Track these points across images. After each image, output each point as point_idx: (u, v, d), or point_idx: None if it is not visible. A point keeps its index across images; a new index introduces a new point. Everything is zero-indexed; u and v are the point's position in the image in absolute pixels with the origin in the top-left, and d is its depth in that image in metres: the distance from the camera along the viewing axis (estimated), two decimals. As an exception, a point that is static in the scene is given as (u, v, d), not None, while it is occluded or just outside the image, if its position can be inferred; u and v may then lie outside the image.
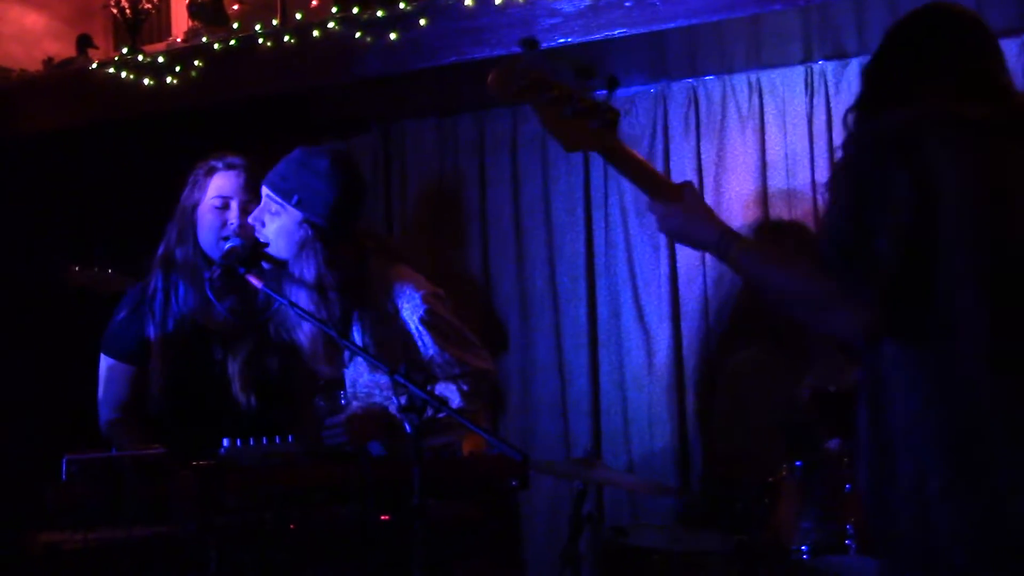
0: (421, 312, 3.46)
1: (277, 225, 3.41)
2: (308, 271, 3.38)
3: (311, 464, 2.96)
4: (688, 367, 4.56)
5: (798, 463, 3.36)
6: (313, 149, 3.49)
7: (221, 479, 2.75)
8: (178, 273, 3.55)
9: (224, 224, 3.52)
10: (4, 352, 5.20)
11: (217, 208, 3.53)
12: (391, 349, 3.47)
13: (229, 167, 3.57)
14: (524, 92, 2.42)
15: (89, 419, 3.68)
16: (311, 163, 3.42)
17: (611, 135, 2.50)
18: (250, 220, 3.45)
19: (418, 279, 3.56)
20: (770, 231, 4.48)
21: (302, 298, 3.33)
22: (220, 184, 3.55)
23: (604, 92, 4.04)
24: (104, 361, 3.62)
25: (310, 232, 3.38)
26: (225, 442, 2.84)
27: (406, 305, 3.47)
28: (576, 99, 2.43)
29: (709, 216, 2.48)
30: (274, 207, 3.41)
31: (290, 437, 2.94)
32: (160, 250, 3.60)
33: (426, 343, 3.46)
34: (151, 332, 3.54)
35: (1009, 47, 4.08)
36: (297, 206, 3.37)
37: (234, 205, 3.54)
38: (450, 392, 3.43)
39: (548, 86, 2.42)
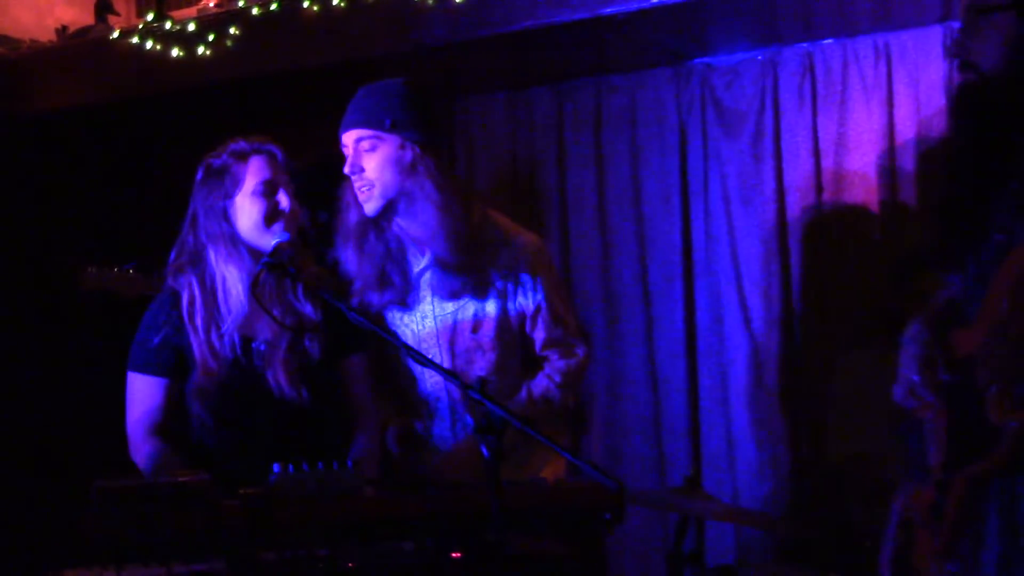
0: (534, 248, 3.73)
1: (378, 159, 3.61)
2: (427, 186, 3.60)
3: (373, 494, 2.98)
4: (803, 379, 4.54)
5: (937, 499, 3.32)
6: (377, 82, 3.73)
7: (271, 510, 2.78)
8: (215, 273, 3.59)
9: (275, 208, 3.56)
10: (14, 366, 5.27)
11: (262, 195, 3.56)
12: (492, 297, 3.70)
13: (258, 151, 3.61)
14: None
15: (115, 441, 3.73)
16: (387, 88, 3.69)
17: None
18: (347, 170, 3.64)
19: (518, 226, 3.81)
20: (898, 221, 4.45)
21: (429, 217, 3.59)
22: (259, 167, 3.58)
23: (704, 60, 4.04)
24: (134, 380, 3.65)
25: (416, 150, 3.61)
26: (276, 468, 2.86)
27: (519, 242, 3.72)
28: None
29: None
30: (367, 144, 3.62)
31: (349, 462, 2.96)
32: (186, 254, 3.64)
33: (534, 285, 3.69)
34: (192, 342, 3.57)
35: (934, 34, 4.27)
36: (392, 129, 3.60)
37: (281, 190, 3.59)
38: (537, 387, 3.69)
39: None
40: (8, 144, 5.36)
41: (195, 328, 3.56)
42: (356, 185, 3.64)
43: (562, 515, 3.10)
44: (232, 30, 4.89)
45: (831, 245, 4.56)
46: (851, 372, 4.46)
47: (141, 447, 3.58)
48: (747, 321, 4.65)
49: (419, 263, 3.69)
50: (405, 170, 3.61)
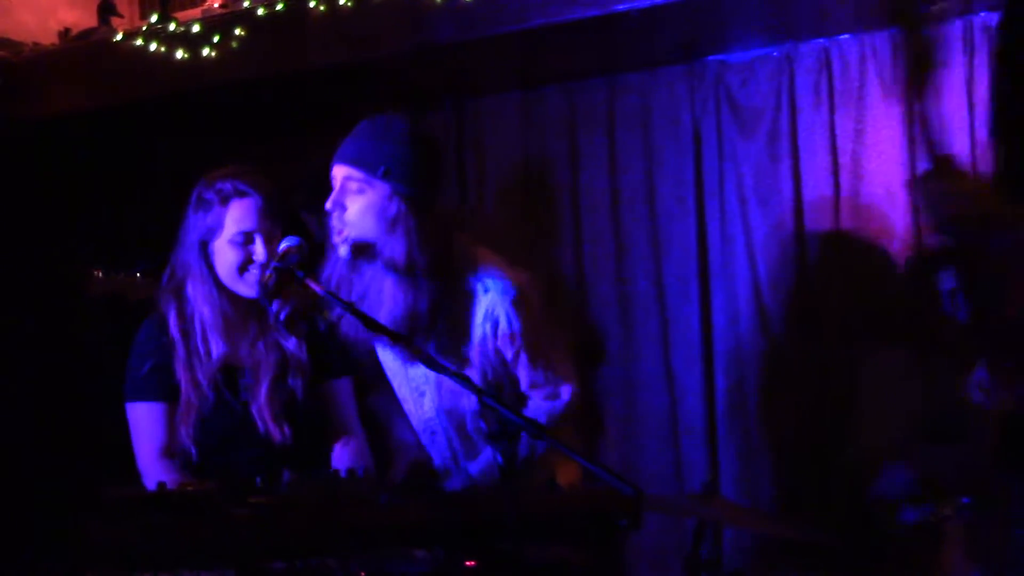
0: (513, 294, 3.59)
1: (362, 204, 3.54)
2: (398, 250, 3.50)
3: (385, 501, 2.97)
4: (824, 381, 4.52)
5: (965, 499, 3.31)
6: (382, 118, 3.65)
7: (281, 518, 2.77)
8: (192, 309, 3.63)
9: (249, 259, 3.58)
10: (20, 370, 5.28)
11: (240, 244, 3.59)
12: (474, 340, 3.60)
13: (243, 195, 3.61)
14: None
15: (122, 448, 3.74)
16: (389, 130, 3.59)
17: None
18: (328, 207, 3.57)
19: (504, 260, 3.71)
20: (919, 220, 4.44)
21: (389, 283, 3.44)
22: (238, 216, 3.60)
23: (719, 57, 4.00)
24: (133, 409, 3.68)
25: (403, 205, 3.51)
26: (286, 475, 2.86)
27: (496, 286, 3.59)
28: None
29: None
30: (355, 185, 3.53)
31: (359, 471, 2.96)
32: (175, 279, 3.67)
33: (513, 331, 3.57)
34: (178, 370, 3.61)
35: (954, 28, 4.27)
36: (384, 177, 3.51)
37: (258, 239, 3.60)
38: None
39: None
40: (12, 148, 5.36)
41: (179, 359, 3.60)
42: (333, 223, 3.57)
43: (578, 521, 3.09)
44: (237, 31, 4.88)
45: (850, 244, 4.54)
46: (875, 373, 4.44)
47: (155, 478, 3.60)
48: (765, 322, 4.63)
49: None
50: (386, 223, 3.53)
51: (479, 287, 3.60)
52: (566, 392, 3.68)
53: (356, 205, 3.53)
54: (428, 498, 3.00)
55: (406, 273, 3.50)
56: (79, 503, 2.79)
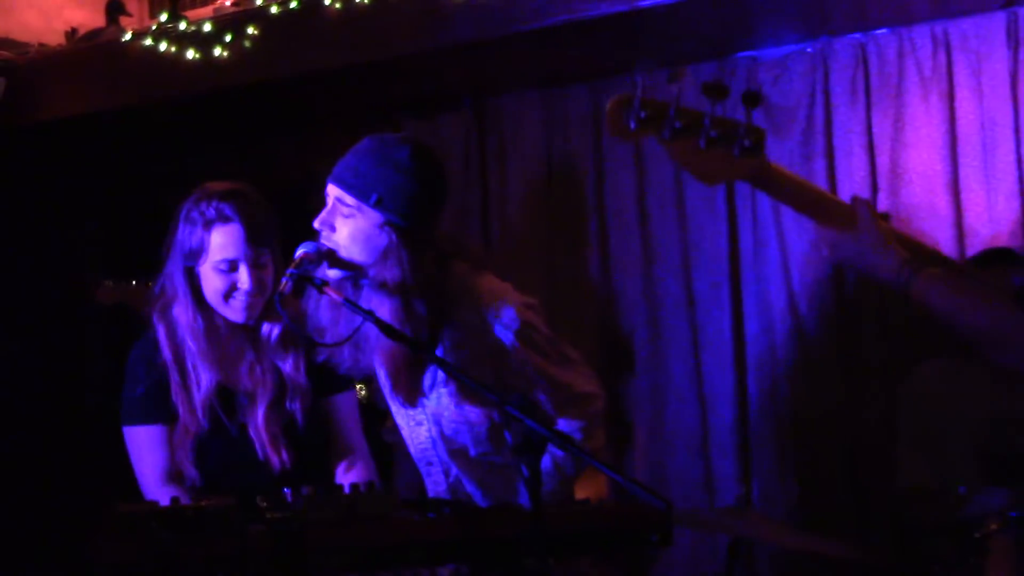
0: (516, 325, 3.47)
1: (351, 229, 3.43)
2: (390, 279, 3.41)
3: (406, 517, 2.96)
4: (863, 392, 4.49)
5: (1013, 513, 3.28)
6: (387, 138, 3.54)
7: (300, 535, 2.76)
8: (182, 336, 3.64)
9: (233, 286, 3.58)
10: (28, 379, 5.29)
11: (224, 272, 3.59)
12: (479, 373, 3.48)
13: (226, 220, 3.59)
14: (646, 126, 2.58)
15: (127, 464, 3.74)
16: (389, 154, 3.44)
17: (758, 160, 2.62)
18: (317, 225, 3.48)
19: (507, 287, 3.59)
20: (961, 220, 4.41)
21: (383, 312, 3.35)
22: (221, 243, 3.58)
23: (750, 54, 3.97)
24: (131, 434, 3.68)
25: (394, 236, 3.40)
26: (304, 490, 2.85)
27: (499, 319, 3.50)
28: (709, 125, 2.57)
29: (886, 240, 2.60)
30: (346, 209, 3.43)
31: (378, 485, 2.95)
32: (164, 296, 3.67)
33: (523, 361, 3.47)
34: (174, 394, 3.61)
35: (996, 21, 4.28)
36: (376, 206, 3.39)
37: (243, 267, 3.59)
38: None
39: (674, 115, 2.57)
40: (17, 153, 5.38)
41: (174, 383, 3.61)
42: (320, 241, 3.45)
43: (605, 537, 3.07)
44: (250, 30, 4.88)
45: (888, 247, 4.51)
46: (917, 385, 4.40)
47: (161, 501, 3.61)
48: (799, 329, 4.61)
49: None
50: (376, 252, 3.42)
51: (480, 320, 3.49)
52: (594, 408, 3.55)
53: (346, 230, 3.41)
54: (452, 513, 2.98)
55: (403, 299, 3.41)
56: (89, 517, 2.79)
